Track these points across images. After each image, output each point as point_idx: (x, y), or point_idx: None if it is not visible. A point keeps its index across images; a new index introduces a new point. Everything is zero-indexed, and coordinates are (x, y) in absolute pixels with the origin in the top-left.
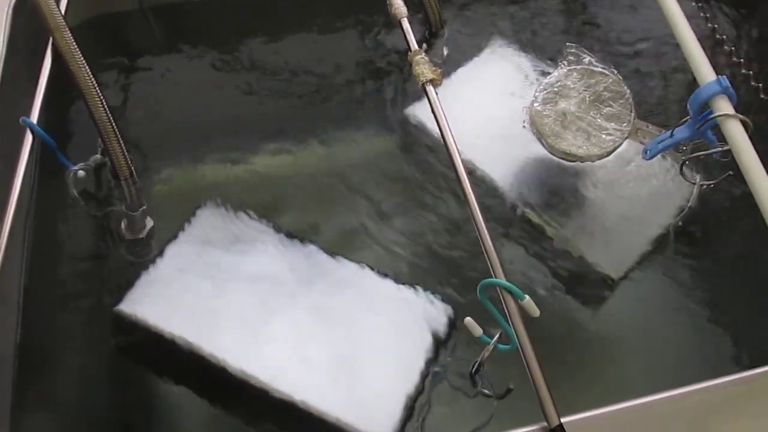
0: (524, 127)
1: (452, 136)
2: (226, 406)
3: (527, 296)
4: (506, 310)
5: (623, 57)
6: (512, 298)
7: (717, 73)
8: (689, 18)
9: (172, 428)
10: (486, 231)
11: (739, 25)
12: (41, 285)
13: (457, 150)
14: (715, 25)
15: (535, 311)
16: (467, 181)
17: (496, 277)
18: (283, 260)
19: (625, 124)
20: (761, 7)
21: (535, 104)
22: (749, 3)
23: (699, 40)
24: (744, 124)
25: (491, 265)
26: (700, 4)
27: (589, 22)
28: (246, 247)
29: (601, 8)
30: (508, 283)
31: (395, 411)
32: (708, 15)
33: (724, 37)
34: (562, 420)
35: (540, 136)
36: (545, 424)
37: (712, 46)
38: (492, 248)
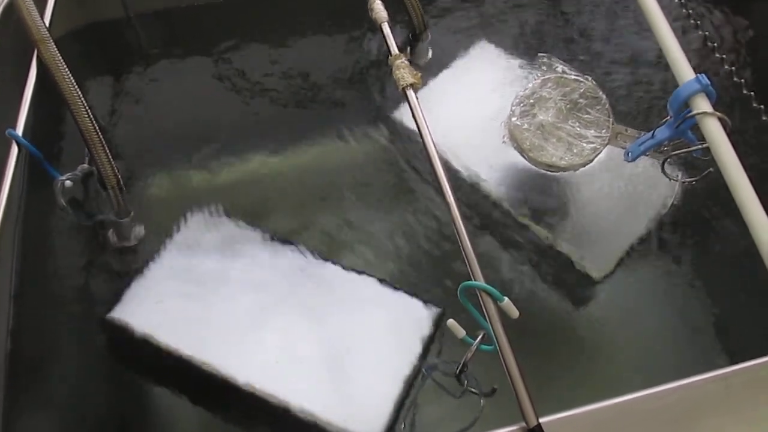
0: (504, 142)
1: (432, 140)
2: (219, 412)
3: (506, 298)
4: (485, 312)
5: (605, 60)
6: (491, 300)
7: (699, 71)
8: (671, 14)
9: None
10: (465, 234)
11: (722, 22)
12: (31, 294)
13: (437, 155)
14: (698, 21)
15: (514, 313)
16: (447, 185)
17: (475, 280)
18: (272, 264)
19: (604, 130)
20: (744, 3)
21: (513, 118)
22: None
23: (681, 36)
24: (722, 122)
25: (470, 268)
26: (682, 1)
27: (571, 24)
28: (235, 252)
29: (584, 11)
30: (486, 286)
31: (384, 412)
32: (690, 11)
33: (707, 33)
34: (541, 420)
35: (521, 150)
36: (524, 424)
37: (694, 43)
38: (471, 251)
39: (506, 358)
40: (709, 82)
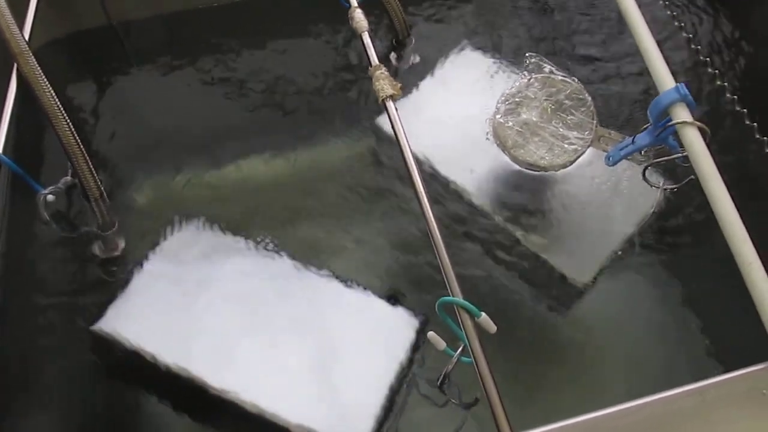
0: (488, 139)
1: (411, 153)
2: (203, 420)
3: (483, 313)
4: (463, 328)
5: (590, 63)
6: (469, 316)
7: (683, 74)
8: (656, 18)
9: None
10: (444, 249)
11: (706, 24)
12: (16, 307)
13: (418, 171)
14: (682, 23)
15: (492, 328)
16: (427, 204)
17: (453, 295)
18: (257, 273)
19: (587, 132)
20: (728, 6)
21: (498, 116)
22: (717, 1)
23: (665, 39)
24: (702, 131)
25: (448, 283)
26: (666, 2)
27: (556, 28)
28: (220, 261)
29: (569, 15)
30: (464, 302)
31: (368, 420)
32: (675, 13)
33: (691, 36)
34: None
35: (503, 147)
36: None
37: (678, 46)
38: (449, 266)
39: (483, 374)
40: (688, 92)
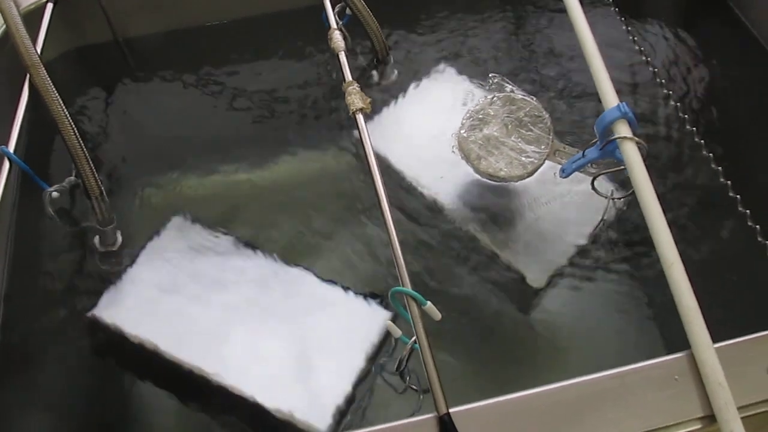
0: (453, 152)
1: (374, 159)
2: (192, 405)
3: (429, 302)
4: (410, 314)
5: (550, 83)
6: (416, 304)
7: (636, 95)
8: (617, 40)
9: (144, 426)
10: (398, 245)
11: (663, 47)
12: (21, 294)
13: (380, 173)
14: (642, 48)
15: (436, 315)
16: (386, 203)
17: (403, 286)
18: (242, 269)
19: (543, 146)
20: (688, 27)
21: (462, 131)
22: (679, 24)
23: (623, 61)
24: (639, 146)
25: (400, 275)
26: (629, 28)
27: (523, 50)
28: (208, 257)
29: (542, 36)
30: (412, 291)
31: (339, 404)
32: (636, 38)
33: (649, 59)
34: (450, 410)
35: (467, 160)
36: (436, 413)
37: (635, 67)
38: (401, 260)
39: (424, 354)
40: (629, 110)
